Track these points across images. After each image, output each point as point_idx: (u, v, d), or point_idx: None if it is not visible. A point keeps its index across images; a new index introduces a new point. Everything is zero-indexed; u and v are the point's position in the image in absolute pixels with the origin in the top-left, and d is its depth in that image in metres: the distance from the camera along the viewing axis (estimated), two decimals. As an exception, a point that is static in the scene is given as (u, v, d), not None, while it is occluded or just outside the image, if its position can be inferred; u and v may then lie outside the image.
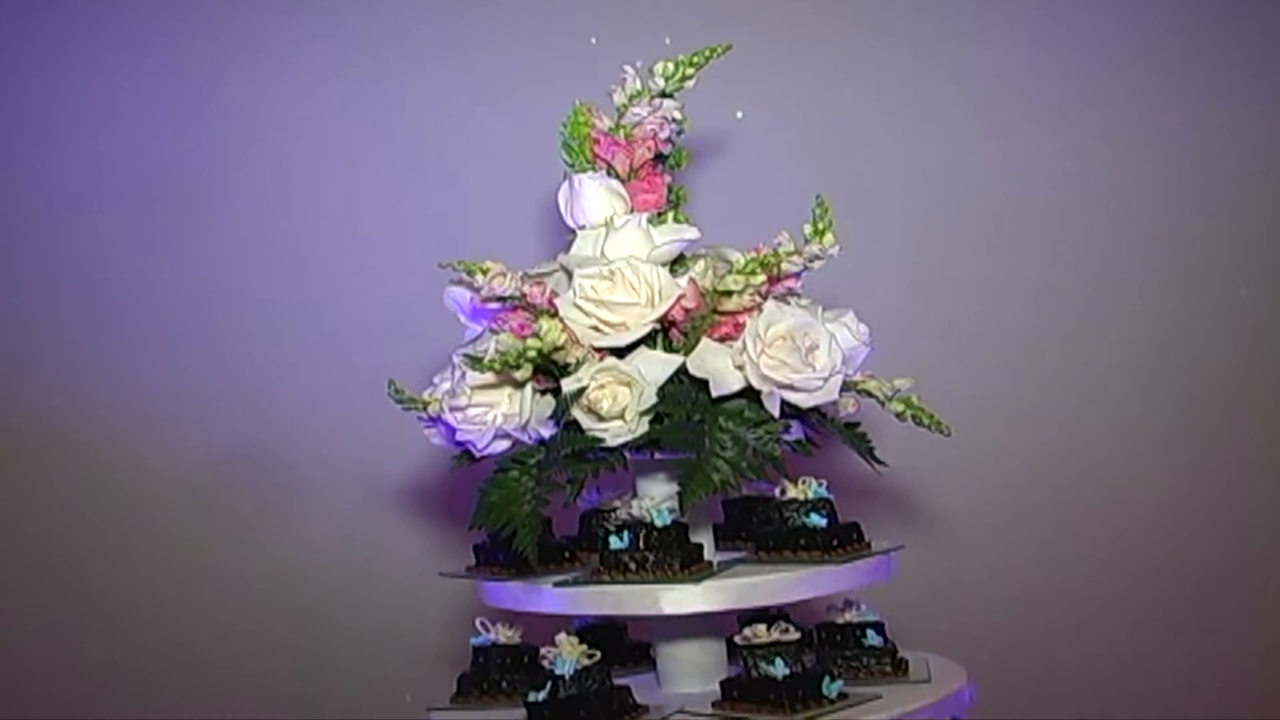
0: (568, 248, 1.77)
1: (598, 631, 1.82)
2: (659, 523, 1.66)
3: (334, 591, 2.45)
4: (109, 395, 2.46)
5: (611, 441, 1.65)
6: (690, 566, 1.66)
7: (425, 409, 1.75)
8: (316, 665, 2.45)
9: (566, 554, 1.78)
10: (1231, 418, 2.49)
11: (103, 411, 2.46)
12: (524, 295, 1.72)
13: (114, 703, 2.43)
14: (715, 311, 1.69)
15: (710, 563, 1.72)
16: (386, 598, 2.44)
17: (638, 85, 1.77)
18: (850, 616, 1.80)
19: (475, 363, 1.66)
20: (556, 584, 1.69)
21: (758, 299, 1.68)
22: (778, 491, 1.73)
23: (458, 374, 1.72)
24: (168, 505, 2.45)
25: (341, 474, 2.44)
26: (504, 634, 1.82)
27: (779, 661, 1.64)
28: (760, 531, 1.74)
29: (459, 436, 1.72)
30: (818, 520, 1.70)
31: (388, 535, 2.45)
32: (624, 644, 1.92)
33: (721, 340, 1.69)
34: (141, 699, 2.44)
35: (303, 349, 2.45)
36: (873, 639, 1.78)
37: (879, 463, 1.79)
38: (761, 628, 1.67)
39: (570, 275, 1.72)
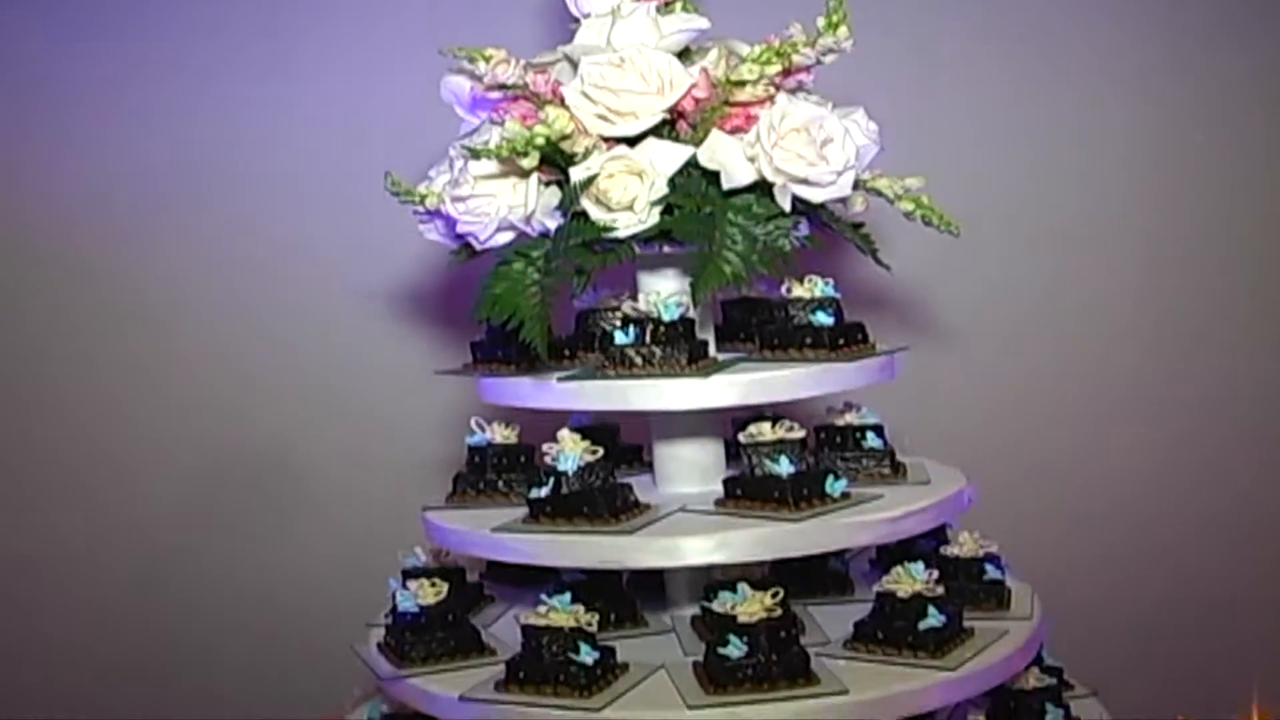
0: (570, 39, 1.71)
1: (591, 434, 1.80)
2: (666, 317, 1.63)
3: (326, 400, 2.42)
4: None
5: (622, 232, 1.61)
6: (697, 361, 1.63)
7: (423, 201, 1.70)
8: (312, 473, 2.43)
9: (567, 351, 1.75)
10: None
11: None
12: (527, 84, 1.66)
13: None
14: (727, 103, 1.65)
15: (715, 358, 1.69)
16: (380, 403, 2.42)
17: None
18: (850, 419, 1.80)
19: (479, 152, 1.61)
20: (561, 379, 1.66)
21: (771, 90, 1.64)
22: (783, 290, 1.71)
23: (458, 165, 1.67)
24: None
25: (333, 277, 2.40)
26: (500, 433, 1.79)
27: (783, 459, 1.63)
28: (764, 330, 1.72)
29: (460, 228, 1.67)
30: (824, 318, 1.68)
31: (381, 337, 2.41)
32: (619, 446, 1.91)
33: (732, 133, 1.65)
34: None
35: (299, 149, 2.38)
36: (872, 441, 1.78)
37: (884, 265, 1.77)
38: (765, 425, 1.66)
39: (575, 65, 1.66)
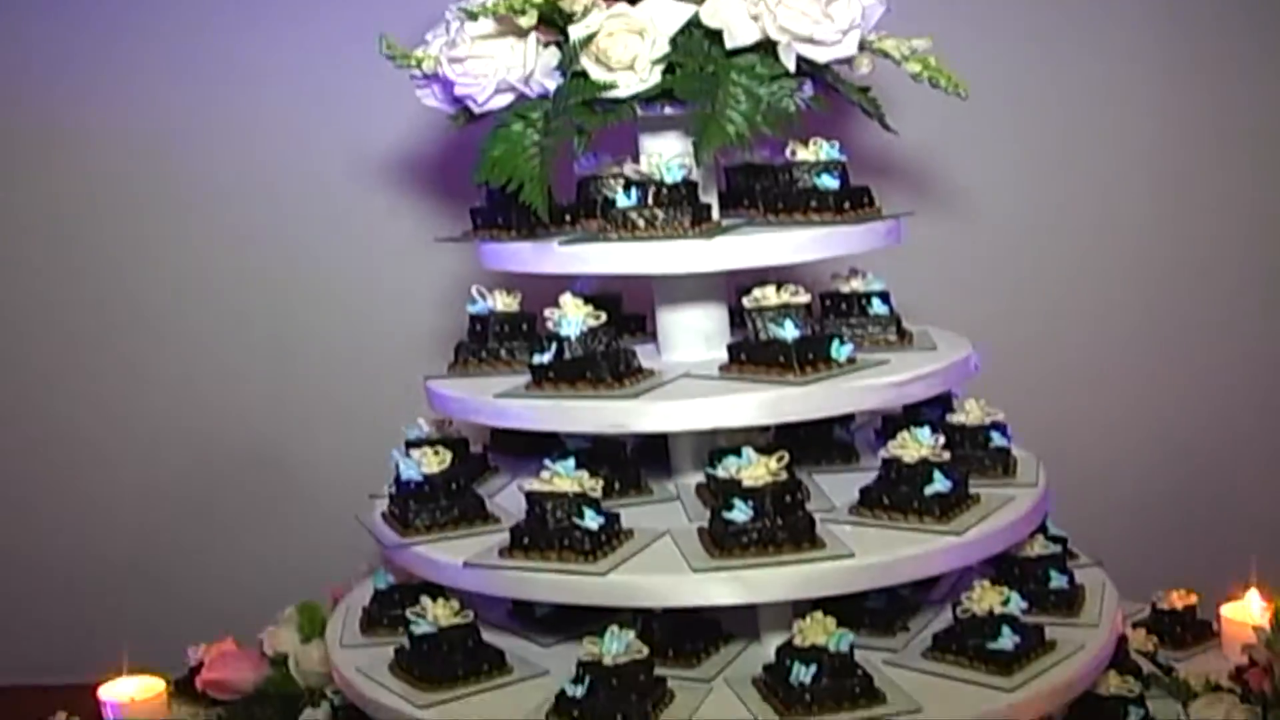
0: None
1: (593, 304, 1.78)
2: (668, 179, 1.60)
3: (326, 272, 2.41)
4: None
5: (623, 92, 1.58)
6: (700, 224, 1.61)
7: (419, 65, 1.67)
8: (313, 344, 2.42)
9: (567, 216, 1.73)
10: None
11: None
12: (524, -59, 1.62)
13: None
14: (729, -41, 1.61)
15: (719, 222, 1.67)
16: (381, 274, 2.40)
17: None
18: (856, 285, 1.77)
19: (476, 12, 1.57)
20: (562, 243, 1.64)
21: (775, -54, 1.60)
22: (788, 153, 1.68)
23: (455, 26, 1.64)
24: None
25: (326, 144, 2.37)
26: (502, 301, 1.77)
27: (788, 323, 1.61)
28: (768, 194, 1.69)
29: (458, 91, 1.64)
30: (829, 182, 1.65)
31: (379, 207, 2.39)
32: (621, 316, 1.89)
33: (734, -10, 1.61)
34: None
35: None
36: (878, 308, 1.76)
37: (891, 129, 1.74)
38: (770, 289, 1.64)
39: (574, -79, 1.62)
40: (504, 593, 1.59)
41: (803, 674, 1.52)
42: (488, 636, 1.70)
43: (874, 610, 1.73)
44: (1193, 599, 2.21)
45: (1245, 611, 2.11)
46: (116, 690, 2.20)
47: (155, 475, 2.51)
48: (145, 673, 2.22)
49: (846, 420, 1.87)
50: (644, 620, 1.67)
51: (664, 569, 1.54)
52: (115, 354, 2.48)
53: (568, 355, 1.61)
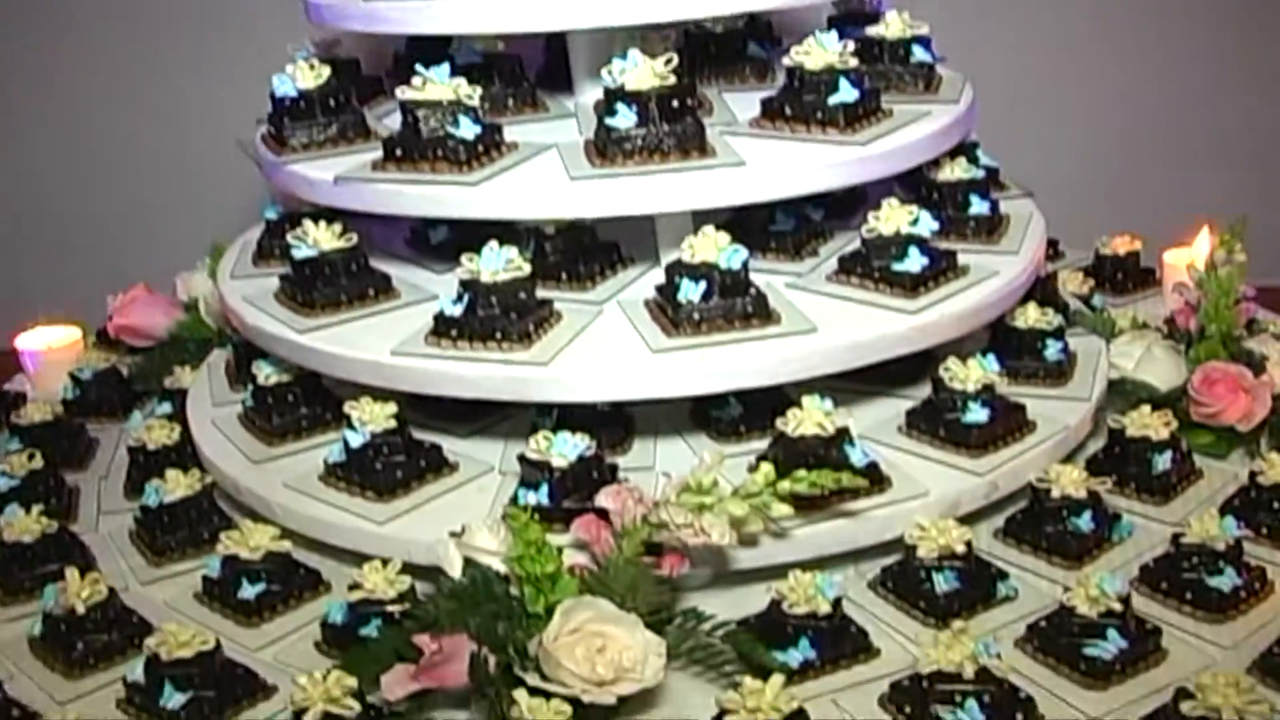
0: None
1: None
2: None
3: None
4: None
5: None
6: None
7: None
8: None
9: None
10: None
11: None
12: None
13: None
14: None
15: None
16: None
17: None
18: None
19: None
20: None
21: None
22: None
23: None
24: None
25: None
26: None
27: None
28: None
29: None
30: None
31: None
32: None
33: None
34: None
35: None
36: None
37: None
38: None
39: None
40: (374, 208, 1.50)
41: (691, 291, 1.45)
42: (384, 265, 1.63)
43: (780, 233, 1.65)
44: (1136, 245, 2.13)
45: (1189, 257, 2.02)
46: (33, 340, 2.15)
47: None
48: (63, 324, 2.17)
49: (764, 34, 1.75)
50: (536, 241, 1.59)
51: (542, 179, 1.45)
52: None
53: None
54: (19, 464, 1.74)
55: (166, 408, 1.89)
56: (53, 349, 2.13)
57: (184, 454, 1.72)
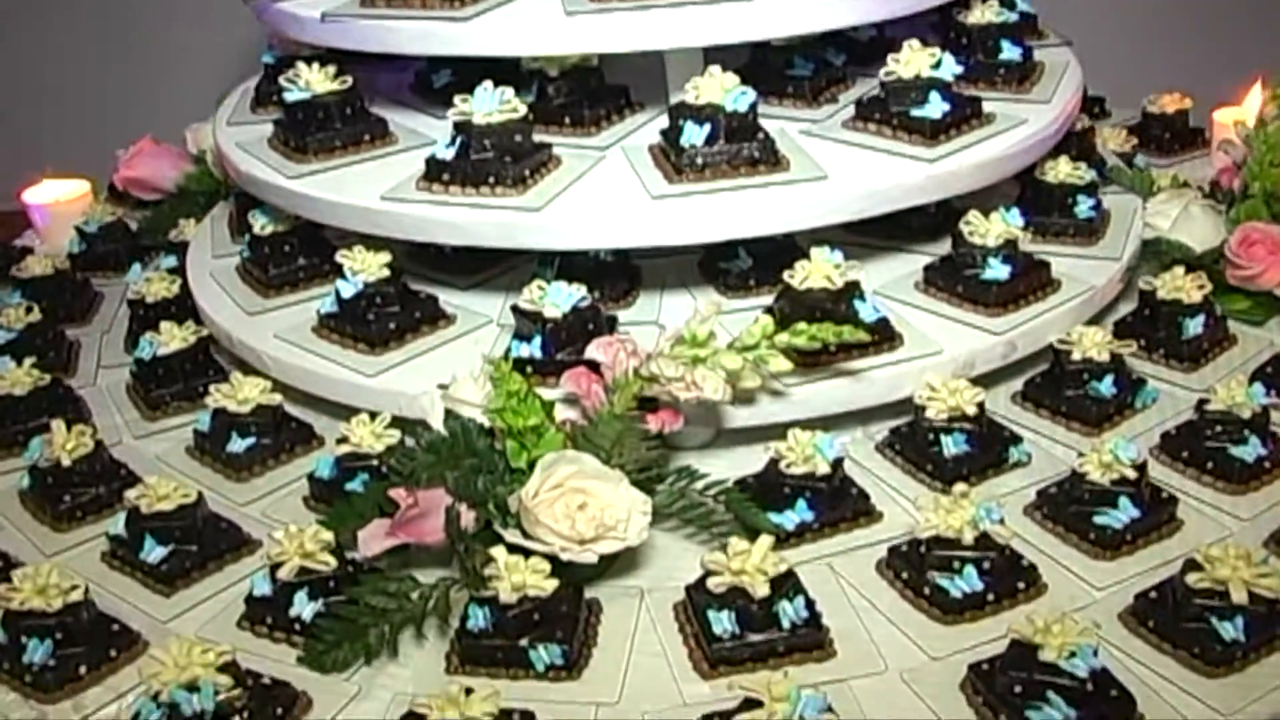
0: None
1: None
2: None
3: None
4: None
5: None
6: None
7: None
8: None
9: None
10: None
11: None
12: None
13: None
14: None
15: None
16: None
17: None
18: None
19: None
20: None
21: None
22: None
23: None
24: None
25: None
26: None
27: None
28: None
29: None
30: None
31: None
32: None
33: None
34: None
35: None
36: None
37: None
38: None
39: None
40: (362, 45, 1.43)
41: (694, 135, 1.37)
42: (386, 111, 1.56)
43: (797, 78, 1.55)
44: (1186, 103, 2.02)
45: (1240, 115, 1.91)
46: (40, 193, 2.10)
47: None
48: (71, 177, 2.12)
49: None
50: (540, 84, 1.51)
51: (537, 15, 1.37)
52: None
53: None
54: (15, 317, 1.70)
55: (171, 261, 1.84)
56: (60, 203, 2.08)
57: (184, 307, 1.67)
